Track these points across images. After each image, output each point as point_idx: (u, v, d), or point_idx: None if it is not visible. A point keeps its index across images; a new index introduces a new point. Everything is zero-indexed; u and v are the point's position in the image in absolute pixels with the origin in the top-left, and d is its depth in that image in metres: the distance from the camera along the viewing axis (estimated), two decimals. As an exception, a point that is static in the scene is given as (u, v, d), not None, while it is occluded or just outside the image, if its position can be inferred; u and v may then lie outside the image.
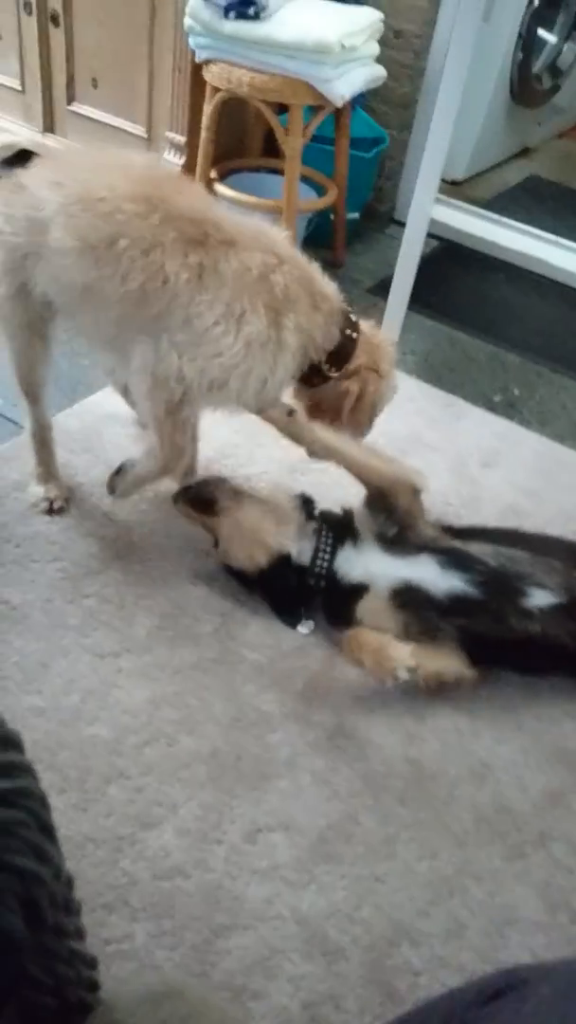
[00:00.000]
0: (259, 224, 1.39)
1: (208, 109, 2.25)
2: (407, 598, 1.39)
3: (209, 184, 2.38)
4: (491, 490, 1.86)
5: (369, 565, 1.43)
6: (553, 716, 1.43)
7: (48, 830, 0.52)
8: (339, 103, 2.15)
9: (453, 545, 1.44)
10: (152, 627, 1.47)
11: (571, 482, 1.95)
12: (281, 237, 1.39)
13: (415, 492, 1.47)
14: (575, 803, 1.31)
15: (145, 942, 1.08)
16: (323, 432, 1.44)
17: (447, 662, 1.37)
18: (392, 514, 1.45)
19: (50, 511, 1.64)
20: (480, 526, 1.62)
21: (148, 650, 1.43)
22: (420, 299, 2.40)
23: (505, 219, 2.86)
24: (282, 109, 2.22)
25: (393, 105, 2.68)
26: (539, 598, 1.38)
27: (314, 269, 1.41)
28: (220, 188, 2.37)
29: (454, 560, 1.40)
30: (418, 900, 1.16)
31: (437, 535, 1.47)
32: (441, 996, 0.53)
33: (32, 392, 1.57)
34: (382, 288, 2.35)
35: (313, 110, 2.22)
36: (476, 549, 1.43)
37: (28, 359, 1.53)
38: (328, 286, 1.42)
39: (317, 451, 1.45)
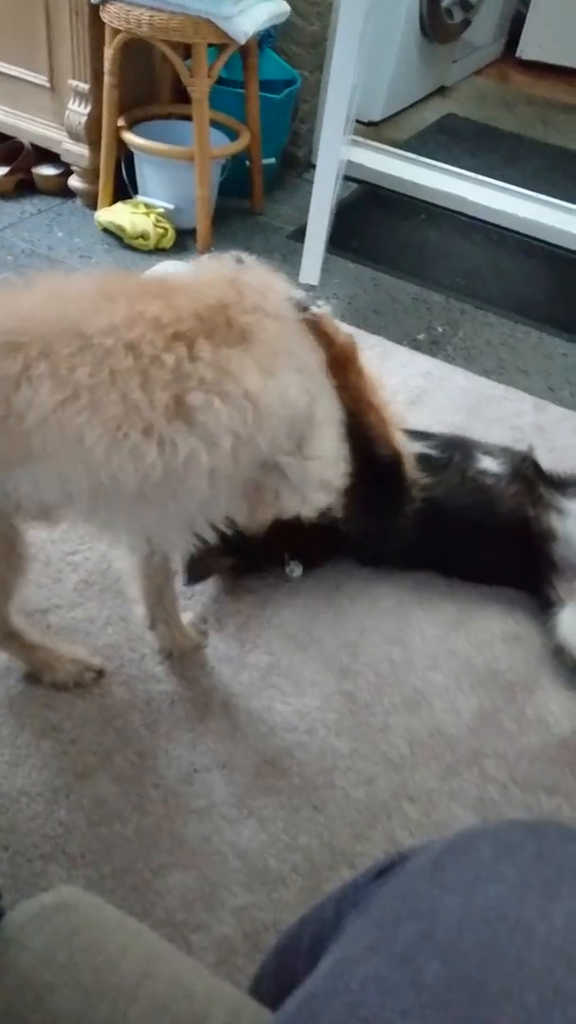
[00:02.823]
0: None
1: (109, 53, 2.18)
2: None
3: (117, 133, 2.31)
4: (420, 427, 1.86)
5: None
6: (484, 640, 1.45)
7: None
8: (242, 40, 2.10)
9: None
10: (79, 582, 1.45)
11: (497, 415, 1.96)
12: None
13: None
14: (506, 721, 1.34)
15: (85, 888, 1.08)
16: None
17: None
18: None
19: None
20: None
21: (77, 605, 1.41)
22: (342, 243, 2.39)
23: (423, 159, 2.84)
24: (188, 52, 2.16)
25: (303, 45, 2.63)
26: (488, 463, 1.53)
27: None
28: (129, 137, 2.31)
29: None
30: (356, 825, 1.18)
31: None
32: (338, 887, 0.54)
33: None
34: (302, 234, 2.31)
35: (218, 50, 2.16)
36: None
37: None
38: None
39: None
